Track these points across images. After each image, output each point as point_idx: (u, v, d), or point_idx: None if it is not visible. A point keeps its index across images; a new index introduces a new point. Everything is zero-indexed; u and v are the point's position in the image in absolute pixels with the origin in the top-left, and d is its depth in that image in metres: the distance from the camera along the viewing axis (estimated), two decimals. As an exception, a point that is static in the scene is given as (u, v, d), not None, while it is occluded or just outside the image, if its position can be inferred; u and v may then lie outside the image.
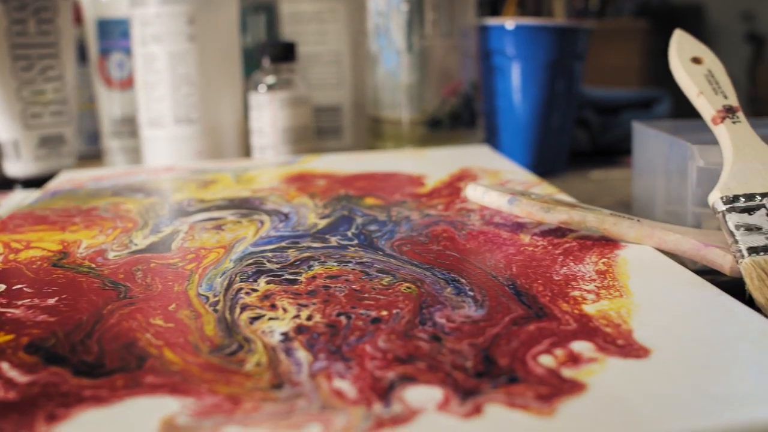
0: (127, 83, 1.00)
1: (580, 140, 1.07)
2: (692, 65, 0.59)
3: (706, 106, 0.56)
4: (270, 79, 0.90)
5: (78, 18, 1.06)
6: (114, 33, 1.00)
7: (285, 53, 0.91)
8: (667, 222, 0.61)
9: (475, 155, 0.83)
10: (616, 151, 1.06)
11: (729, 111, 0.55)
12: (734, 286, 0.46)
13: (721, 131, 0.54)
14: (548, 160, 0.96)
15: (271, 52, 0.90)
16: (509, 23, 0.92)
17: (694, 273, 0.47)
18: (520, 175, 0.73)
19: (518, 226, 0.57)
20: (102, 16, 1.00)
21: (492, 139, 0.96)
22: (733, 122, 0.54)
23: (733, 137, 0.53)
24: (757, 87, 2.01)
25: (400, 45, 0.91)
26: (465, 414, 0.32)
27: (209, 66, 0.89)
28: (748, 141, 0.53)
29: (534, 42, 0.91)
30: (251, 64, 1.00)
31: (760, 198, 0.49)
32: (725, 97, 0.57)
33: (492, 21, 0.94)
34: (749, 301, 0.44)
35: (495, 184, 0.69)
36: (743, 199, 0.49)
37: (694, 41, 0.61)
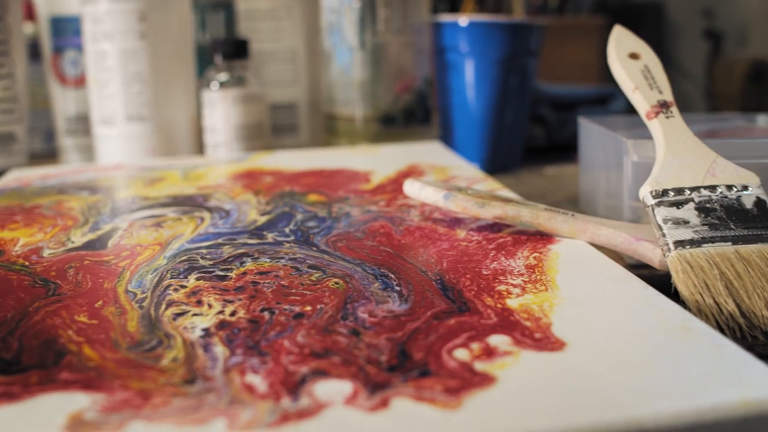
0: (82, 81, 1.00)
1: (536, 136, 1.08)
2: (629, 60, 0.59)
3: (641, 101, 0.56)
4: (222, 76, 0.90)
5: (31, 15, 1.05)
6: (67, 30, 0.99)
7: (237, 50, 0.91)
8: (607, 216, 0.61)
9: (427, 152, 0.83)
10: (571, 147, 1.07)
11: (663, 106, 0.56)
12: (667, 280, 0.46)
13: (655, 126, 0.55)
14: (502, 156, 0.96)
15: (223, 49, 0.90)
16: (462, 20, 0.93)
17: (625, 267, 0.47)
18: (467, 171, 0.73)
19: (456, 222, 0.57)
20: (55, 13, 0.99)
21: (446, 136, 0.96)
22: (667, 117, 0.55)
23: (665, 132, 0.54)
24: (714, 83, 2.02)
25: (353, 42, 0.91)
26: (371, 408, 0.32)
27: (161, 63, 0.89)
28: (680, 136, 0.53)
29: (487, 39, 0.92)
30: (210, 61, 1.00)
31: (689, 192, 0.49)
32: (660, 92, 0.57)
33: (445, 18, 0.94)
34: (675, 295, 0.45)
35: (441, 180, 0.69)
36: (672, 193, 0.50)
37: (632, 37, 0.61)
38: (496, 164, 0.95)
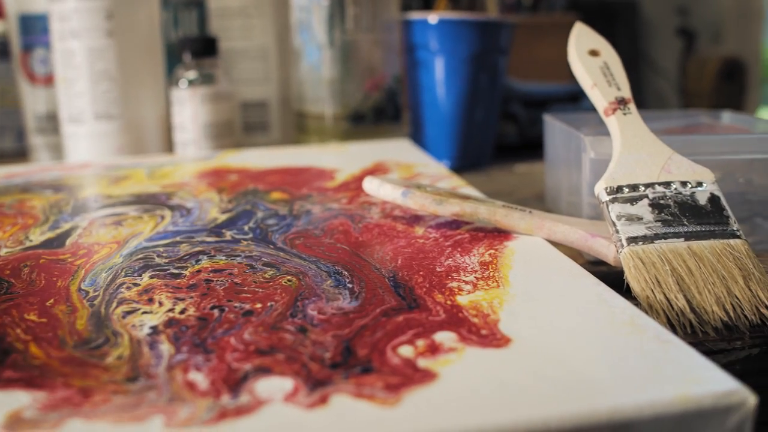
0: (51, 79, 0.99)
1: (508, 134, 1.08)
2: (589, 57, 0.59)
3: (599, 97, 0.56)
4: (191, 74, 0.90)
5: (0, 13, 1.05)
6: (36, 28, 0.99)
7: (206, 48, 0.90)
8: (569, 213, 0.62)
9: (395, 149, 0.83)
10: (542, 145, 1.07)
11: (621, 103, 0.56)
12: (621, 277, 0.46)
13: (612, 122, 0.55)
14: (473, 154, 0.96)
15: (192, 48, 0.90)
16: (432, 18, 0.92)
17: (582, 264, 0.47)
18: (433, 168, 0.73)
19: (415, 219, 0.57)
20: (24, 11, 0.99)
21: (417, 133, 0.96)
22: (624, 114, 0.55)
23: (621, 128, 0.54)
24: (687, 80, 2.03)
25: (322, 40, 0.91)
26: (309, 404, 0.32)
27: (129, 61, 0.88)
28: (636, 132, 0.53)
29: (456, 36, 0.92)
30: (180, 59, 1.00)
31: (643, 188, 0.50)
32: (618, 89, 0.57)
33: (415, 15, 0.94)
34: (629, 291, 0.45)
35: (406, 177, 0.69)
36: (627, 190, 0.50)
37: (593, 34, 0.62)
38: (466, 161, 0.95)
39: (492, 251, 0.50)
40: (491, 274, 0.46)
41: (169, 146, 0.94)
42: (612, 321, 0.39)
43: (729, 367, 0.42)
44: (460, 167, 0.94)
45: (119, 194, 0.68)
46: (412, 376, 0.34)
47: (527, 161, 1.01)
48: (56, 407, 0.33)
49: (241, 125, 1.04)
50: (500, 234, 0.53)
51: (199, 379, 0.34)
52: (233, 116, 0.91)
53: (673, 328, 0.42)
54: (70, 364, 0.36)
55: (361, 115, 0.93)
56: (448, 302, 0.42)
